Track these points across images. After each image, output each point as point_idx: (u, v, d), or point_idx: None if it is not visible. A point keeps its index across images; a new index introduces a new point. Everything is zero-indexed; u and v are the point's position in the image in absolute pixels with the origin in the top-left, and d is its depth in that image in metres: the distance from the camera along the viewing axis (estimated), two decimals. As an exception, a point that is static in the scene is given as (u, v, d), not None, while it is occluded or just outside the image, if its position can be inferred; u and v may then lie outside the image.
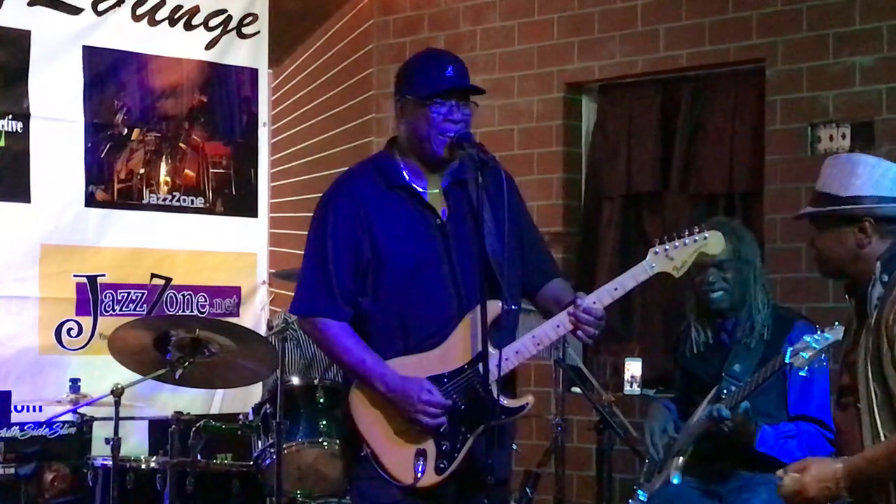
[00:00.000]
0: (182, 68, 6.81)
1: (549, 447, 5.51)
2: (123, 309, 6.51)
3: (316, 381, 5.51)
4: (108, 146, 6.55)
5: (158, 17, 6.70)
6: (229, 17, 6.93)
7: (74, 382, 5.74)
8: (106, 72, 6.52)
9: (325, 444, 5.33)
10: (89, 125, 6.47)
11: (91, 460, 5.55)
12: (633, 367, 6.54)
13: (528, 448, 5.80)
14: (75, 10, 6.42)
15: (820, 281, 5.75)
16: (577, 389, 5.68)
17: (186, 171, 6.82)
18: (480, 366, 3.67)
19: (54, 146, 6.34)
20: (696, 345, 4.86)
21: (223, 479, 5.51)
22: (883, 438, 3.18)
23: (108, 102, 6.55)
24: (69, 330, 6.37)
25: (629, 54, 6.59)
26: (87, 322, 6.41)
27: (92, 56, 6.47)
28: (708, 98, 6.50)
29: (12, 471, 5.86)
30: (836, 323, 4.03)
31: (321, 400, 5.39)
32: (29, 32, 6.27)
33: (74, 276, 6.40)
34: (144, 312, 6.56)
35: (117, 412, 5.11)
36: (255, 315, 6.99)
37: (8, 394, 6.08)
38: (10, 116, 6.21)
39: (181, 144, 6.82)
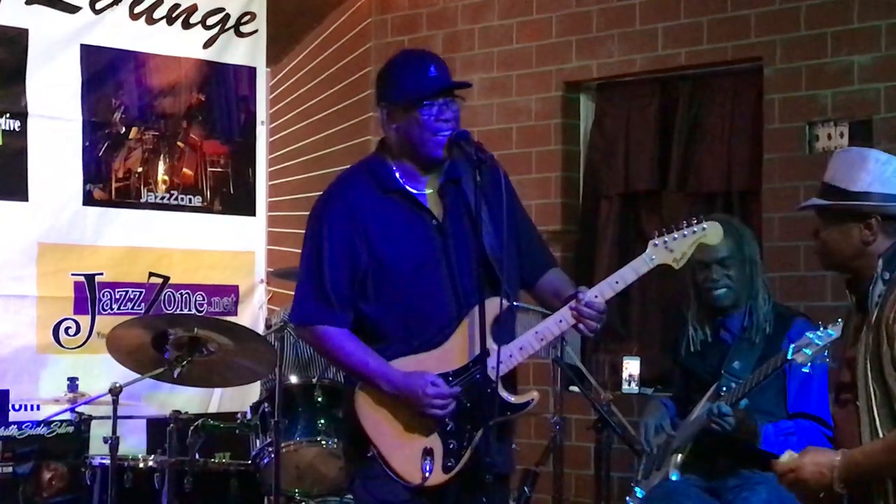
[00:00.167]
0: (180, 67, 6.81)
1: (547, 446, 5.50)
2: (121, 308, 6.51)
3: (314, 380, 5.51)
4: (105, 145, 6.55)
5: (156, 15, 6.69)
6: (227, 16, 6.92)
7: (72, 381, 5.73)
8: (104, 70, 6.52)
9: (323, 442, 5.33)
10: (87, 124, 6.46)
11: (89, 459, 5.55)
12: (632, 366, 6.54)
13: (527, 447, 5.79)
14: (73, 9, 6.41)
15: (818, 279, 5.77)
16: (575, 388, 5.66)
17: (184, 169, 6.82)
18: (485, 362, 3.67)
19: (52, 145, 6.33)
20: (693, 343, 4.87)
21: (221, 478, 5.51)
22: (881, 436, 3.19)
23: (106, 101, 6.55)
24: (67, 329, 6.37)
25: (627, 53, 6.59)
26: (84, 321, 6.40)
27: (89, 54, 6.47)
28: (706, 97, 6.50)
29: (10, 470, 5.86)
30: (839, 320, 4.03)
31: (319, 399, 5.39)
32: (26, 31, 6.27)
33: (72, 274, 6.40)
34: (142, 311, 6.55)
35: (115, 411, 5.11)
36: (253, 314, 6.99)
37: (6, 393, 6.08)
38: (8, 115, 6.21)
39: (179, 143, 6.82)
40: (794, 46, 6.03)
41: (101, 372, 5.89)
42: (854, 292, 3.37)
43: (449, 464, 3.71)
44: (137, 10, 6.62)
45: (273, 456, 5.16)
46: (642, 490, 4.80)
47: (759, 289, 4.78)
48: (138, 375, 5.23)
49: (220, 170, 6.94)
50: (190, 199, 6.82)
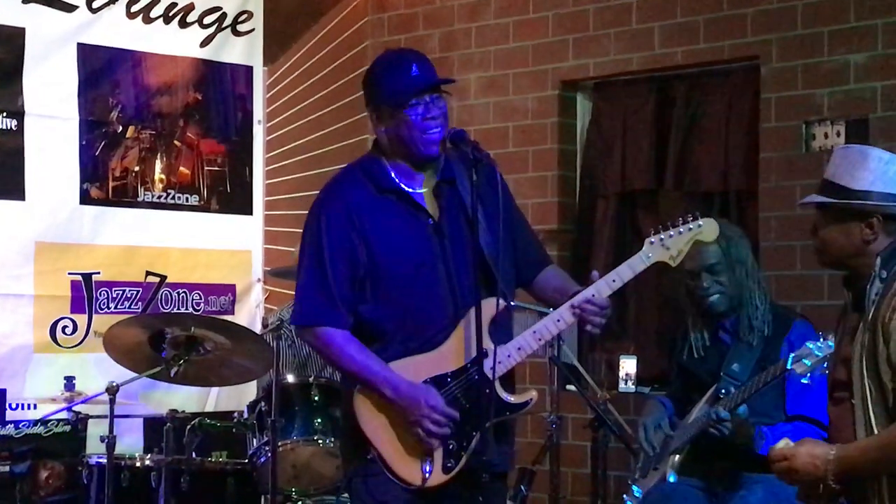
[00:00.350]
0: (177, 66, 6.81)
1: (544, 445, 5.51)
2: (118, 307, 6.52)
3: (311, 379, 5.50)
4: (102, 144, 6.55)
5: (153, 14, 6.70)
6: (224, 15, 6.93)
7: (69, 380, 5.73)
8: (101, 69, 6.52)
9: (319, 442, 5.33)
10: (84, 123, 6.47)
11: (86, 458, 5.55)
12: (628, 365, 6.54)
13: (524, 445, 5.79)
14: (70, 8, 6.42)
15: (815, 278, 5.77)
16: (572, 387, 5.66)
17: (181, 168, 6.83)
18: (483, 363, 3.67)
19: (49, 144, 6.33)
20: (696, 350, 4.86)
21: (218, 477, 5.51)
22: (876, 433, 3.19)
23: (103, 100, 6.56)
24: (64, 327, 6.38)
25: (624, 52, 6.59)
26: (81, 320, 6.41)
27: (86, 53, 6.47)
28: (703, 95, 6.50)
29: (7, 468, 5.87)
30: None
31: (316, 398, 5.39)
32: (23, 30, 6.27)
33: (69, 273, 6.41)
34: (139, 310, 6.56)
35: (112, 410, 5.10)
36: (250, 313, 6.99)
37: (2, 391, 6.08)
38: (5, 114, 6.21)
39: (176, 142, 6.82)
40: (790, 45, 6.03)
41: (97, 371, 5.89)
42: (850, 290, 3.37)
43: (449, 464, 3.71)
44: (134, 8, 6.63)
45: (270, 455, 5.15)
46: (640, 489, 4.80)
47: (754, 289, 4.76)
48: (135, 374, 5.23)
49: (216, 169, 6.94)
50: (187, 198, 6.83)
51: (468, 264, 3.70)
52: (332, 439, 5.26)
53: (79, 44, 6.45)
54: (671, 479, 4.67)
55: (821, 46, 5.95)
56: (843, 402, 3.29)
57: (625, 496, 4.87)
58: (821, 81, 5.95)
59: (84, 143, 6.47)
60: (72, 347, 6.37)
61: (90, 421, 5.78)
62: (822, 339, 4.16)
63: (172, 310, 6.67)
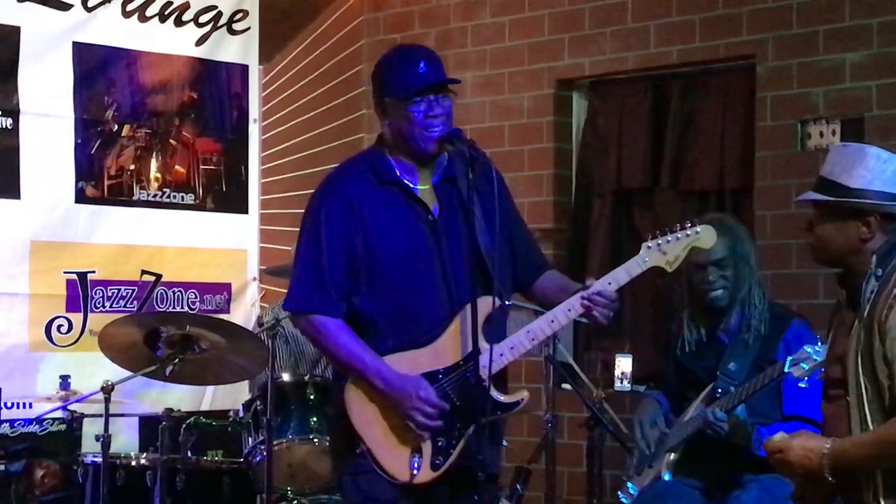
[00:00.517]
0: (172, 64, 6.80)
1: (539, 444, 5.50)
2: (114, 305, 6.51)
3: (306, 378, 5.50)
4: (98, 142, 6.55)
5: (148, 13, 6.70)
6: (219, 14, 6.92)
7: (64, 379, 5.72)
8: (96, 68, 6.52)
9: (315, 440, 5.32)
10: (79, 121, 6.46)
11: (81, 457, 5.54)
12: (624, 364, 6.53)
13: (519, 444, 5.80)
14: (65, 6, 6.41)
15: (810, 277, 5.78)
16: (567, 386, 5.67)
17: (177, 167, 6.82)
18: (476, 361, 3.66)
19: (44, 142, 6.33)
20: (689, 344, 4.86)
21: (213, 476, 5.51)
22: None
23: (98, 99, 6.55)
24: (59, 326, 6.37)
25: (620, 51, 6.59)
26: (77, 319, 6.40)
27: (82, 52, 6.47)
28: (698, 94, 6.50)
29: (2, 468, 5.86)
30: None
31: (311, 396, 5.38)
32: (18, 28, 6.27)
33: (64, 272, 6.40)
34: (135, 309, 6.55)
35: (107, 409, 5.10)
36: (245, 312, 6.99)
37: (-2, 391, 6.08)
38: (0, 112, 6.20)
39: (171, 141, 6.82)
40: (786, 44, 6.03)
41: (93, 370, 5.88)
42: (845, 288, 3.37)
43: (437, 462, 3.71)
44: (130, 7, 6.62)
45: (265, 454, 5.15)
46: (635, 486, 4.80)
47: (753, 287, 4.77)
48: (130, 373, 5.23)
49: (212, 167, 6.94)
50: (182, 197, 6.82)
51: (465, 262, 3.70)
52: (328, 438, 5.25)
53: (74, 42, 6.44)
54: (666, 477, 4.67)
55: (816, 45, 5.95)
56: (838, 400, 3.29)
57: (620, 493, 4.88)
58: (816, 80, 5.95)
59: (79, 141, 6.46)
60: (67, 346, 6.36)
61: (85, 420, 5.76)
62: (819, 343, 4.15)
63: (168, 309, 6.67)
